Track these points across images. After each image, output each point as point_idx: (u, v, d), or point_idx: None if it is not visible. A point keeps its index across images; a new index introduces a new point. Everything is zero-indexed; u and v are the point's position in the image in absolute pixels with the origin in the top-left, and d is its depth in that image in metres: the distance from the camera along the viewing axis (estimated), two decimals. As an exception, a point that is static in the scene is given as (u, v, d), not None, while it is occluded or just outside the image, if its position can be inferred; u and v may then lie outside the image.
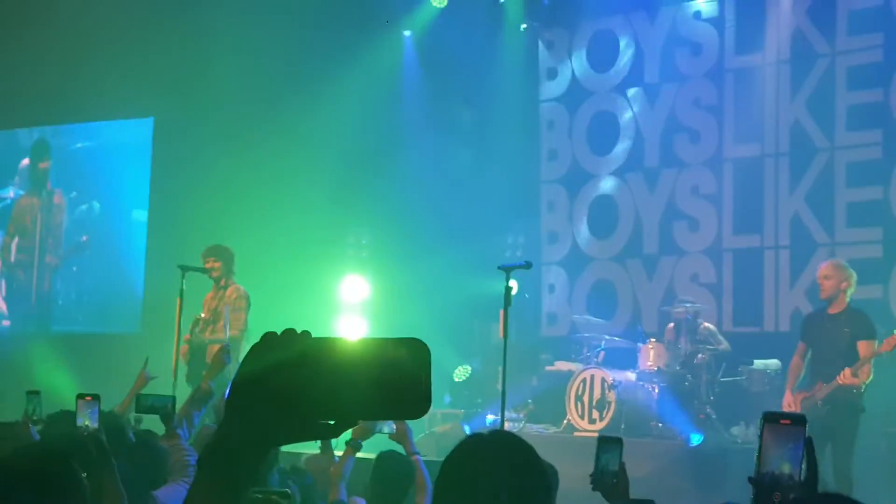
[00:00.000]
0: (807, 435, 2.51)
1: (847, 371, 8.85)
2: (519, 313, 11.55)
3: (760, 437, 2.52)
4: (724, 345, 11.64)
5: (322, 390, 1.53)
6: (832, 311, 9.23)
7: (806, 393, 9.14)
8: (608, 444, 3.98)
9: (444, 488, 2.65)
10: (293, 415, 1.53)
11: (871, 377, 8.96)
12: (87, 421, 5.08)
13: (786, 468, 2.48)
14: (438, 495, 2.67)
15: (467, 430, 11.75)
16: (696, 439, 10.79)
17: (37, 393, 6.38)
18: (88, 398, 5.18)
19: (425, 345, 1.56)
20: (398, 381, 1.53)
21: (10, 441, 5.37)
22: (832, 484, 8.25)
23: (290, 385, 1.52)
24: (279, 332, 1.56)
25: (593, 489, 3.99)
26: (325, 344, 1.54)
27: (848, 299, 9.20)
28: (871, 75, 11.88)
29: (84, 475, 3.05)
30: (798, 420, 2.52)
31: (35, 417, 6.28)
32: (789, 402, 9.22)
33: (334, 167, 13.21)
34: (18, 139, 16.61)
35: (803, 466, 2.48)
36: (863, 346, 8.97)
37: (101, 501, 4.19)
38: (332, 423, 1.56)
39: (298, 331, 1.56)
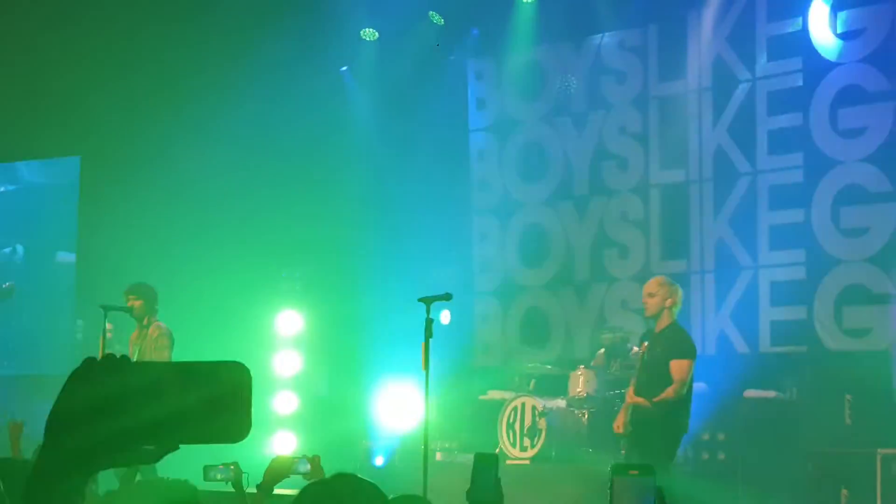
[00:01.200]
0: (656, 485, 2.54)
1: (629, 391, 9.03)
2: (453, 342, 11.61)
3: (610, 489, 2.54)
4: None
5: (140, 414, 1.53)
6: (658, 328, 9.20)
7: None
8: (484, 460, 4.04)
9: None
10: (112, 439, 1.53)
11: (680, 394, 8.95)
12: None
13: None
14: None
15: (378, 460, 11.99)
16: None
17: None
18: None
19: (245, 367, 1.57)
20: (218, 403, 1.54)
21: None
22: None
23: (107, 410, 1.52)
24: (98, 359, 1.57)
25: None
26: (145, 368, 1.56)
27: (673, 317, 9.18)
28: (790, 99, 12.06)
29: None
30: (646, 470, 2.56)
31: None
32: (617, 425, 9.32)
33: (266, 202, 13.22)
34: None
35: None
36: (674, 366, 8.93)
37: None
38: (151, 447, 1.57)
39: (119, 357, 1.57)
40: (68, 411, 1.55)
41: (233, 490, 6.92)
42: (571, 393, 11.77)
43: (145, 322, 10.11)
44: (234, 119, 13.29)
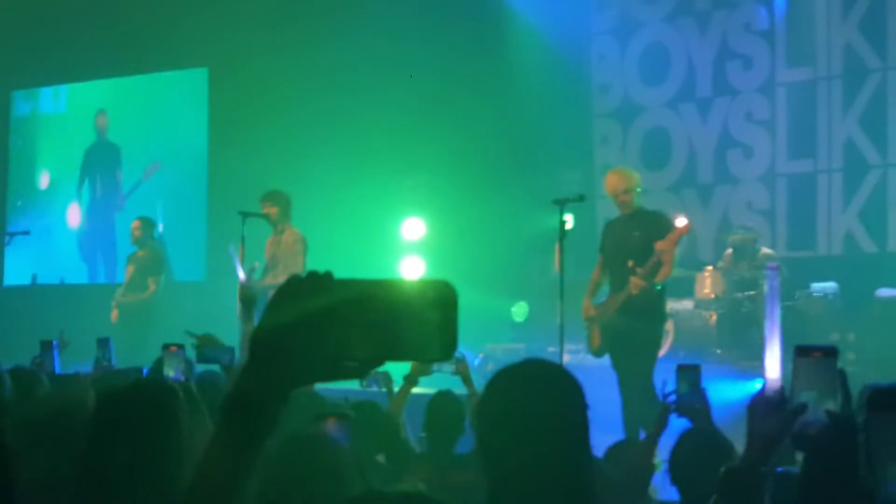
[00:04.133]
0: (839, 366, 2.53)
1: (634, 279, 8.26)
2: (577, 248, 11.63)
3: (793, 370, 2.53)
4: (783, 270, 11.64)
5: (346, 331, 1.53)
6: (623, 213, 8.67)
7: (601, 305, 8.66)
8: (687, 371, 4.10)
9: (484, 418, 2.65)
10: (317, 355, 1.53)
11: (672, 274, 8.44)
12: (171, 371, 4.97)
13: (818, 399, 2.50)
14: (478, 425, 2.71)
15: None
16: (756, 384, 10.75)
17: (107, 339, 6.47)
18: (174, 348, 5.07)
19: (452, 287, 1.56)
20: (423, 321, 1.54)
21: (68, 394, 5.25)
22: (638, 402, 7.72)
23: (313, 326, 1.53)
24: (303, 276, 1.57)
25: (678, 415, 4.11)
26: (350, 286, 1.54)
27: (636, 202, 8.57)
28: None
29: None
30: (829, 352, 2.53)
31: (104, 363, 6.36)
32: (586, 308, 8.76)
33: (390, 111, 13.27)
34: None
35: (838, 398, 2.50)
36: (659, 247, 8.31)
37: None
38: (355, 363, 1.56)
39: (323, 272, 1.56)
40: (273, 329, 1.55)
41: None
42: (698, 294, 11.76)
43: (280, 228, 10.27)
44: (365, 33, 13.33)
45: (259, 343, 1.56)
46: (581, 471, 2.59)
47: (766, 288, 10.78)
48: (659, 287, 8.35)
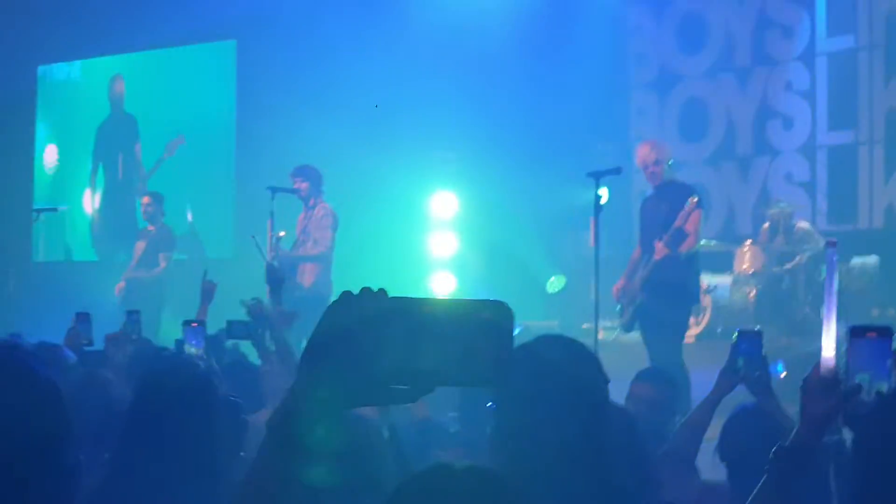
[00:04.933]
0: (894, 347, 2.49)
1: (658, 245, 8.21)
2: (613, 222, 11.45)
3: (847, 350, 2.50)
4: (822, 243, 11.43)
5: (398, 353, 1.48)
6: (653, 185, 8.61)
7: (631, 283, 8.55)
8: (749, 336, 3.90)
9: (500, 395, 2.61)
10: (368, 377, 1.49)
11: (696, 246, 8.37)
12: (193, 348, 5.03)
13: (871, 380, 2.47)
14: (495, 402, 2.63)
15: None
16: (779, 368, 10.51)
17: (137, 312, 6.42)
18: (195, 324, 5.13)
19: (507, 306, 1.50)
20: (478, 345, 1.48)
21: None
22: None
23: (365, 346, 1.48)
24: (356, 292, 1.53)
25: (740, 381, 3.93)
26: (403, 304, 1.49)
27: (666, 174, 8.51)
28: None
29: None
30: (884, 332, 2.51)
31: (134, 336, 6.30)
32: (616, 288, 8.73)
33: (420, 84, 13.10)
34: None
35: (892, 378, 2.47)
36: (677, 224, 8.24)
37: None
38: (406, 388, 1.51)
39: (375, 289, 1.52)
40: (326, 346, 1.51)
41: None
42: (737, 269, 11.56)
43: (311, 203, 10.16)
44: (396, 1, 13.19)
45: (311, 355, 1.53)
46: (598, 445, 2.55)
47: (824, 268, 10.57)
48: (683, 257, 8.25)
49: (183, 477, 2.74)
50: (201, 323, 5.15)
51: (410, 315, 1.48)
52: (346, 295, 1.53)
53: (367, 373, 1.48)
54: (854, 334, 2.51)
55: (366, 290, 1.52)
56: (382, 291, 1.51)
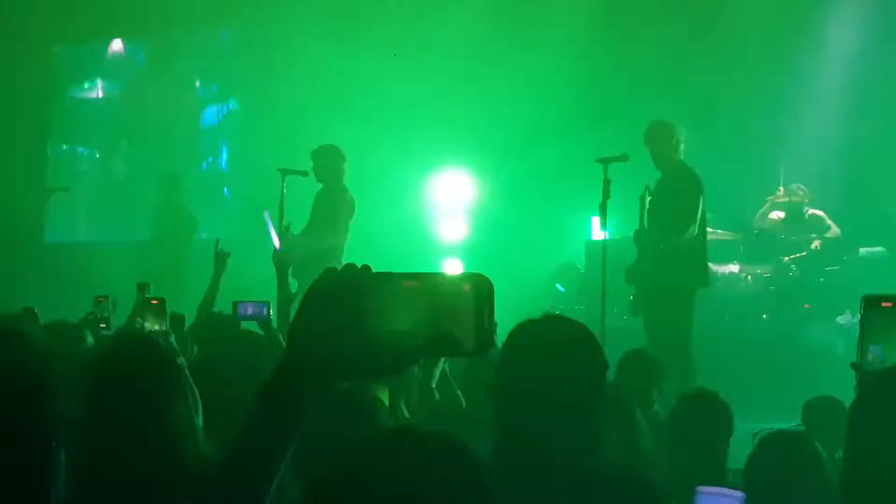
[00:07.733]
0: None
1: (665, 230, 8.32)
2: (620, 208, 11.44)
3: (861, 321, 2.48)
4: (835, 230, 11.42)
5: (382, 327, 1.50)
6: (660, 168, 8.68)
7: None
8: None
9: (501, 372, 2.66)
10: (352, 354, 1.51)
11: (705, 231, 8.53)
12: (154, 324, 5.33)
13: (886, 350, 2.46)
14: (495, 378, 2.68)
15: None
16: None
17: (105, 297, 6.65)
18: (155, 301, 5.47)
19: (488, 280, 1.54)
20: (459, 318, 1.51)
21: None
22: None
23: (348, 324, 1.50)
24: (339, 268, 1.56)
25: None
26: (386, 279, 1.52)
27: (680, 156, 8.60)
28: None
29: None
30: None
31: (102, 316, 6.52)
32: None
33: (433, 67, 13.08)
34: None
35: None
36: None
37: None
38: (391, 360, 1.53)
39: (359, 265, 1.55)
40: (309, 325, 1.54)
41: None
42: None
43: (326, 186, 10.09)
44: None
45: (295, 335, 1.56)
46: (593, 428, 2.61)
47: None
48: (688, 241, 8.33)
49: (145, 451, 2.77)
50: (161, 301, 5.43)
51: (394, 289, 1.51)
52: (330, 271, 1.56)
53: (352, 349, 1.51)
54: (867, 305, 2.48)
55: (348, 265, 1.55)
56: (367, 267, 1.54)
